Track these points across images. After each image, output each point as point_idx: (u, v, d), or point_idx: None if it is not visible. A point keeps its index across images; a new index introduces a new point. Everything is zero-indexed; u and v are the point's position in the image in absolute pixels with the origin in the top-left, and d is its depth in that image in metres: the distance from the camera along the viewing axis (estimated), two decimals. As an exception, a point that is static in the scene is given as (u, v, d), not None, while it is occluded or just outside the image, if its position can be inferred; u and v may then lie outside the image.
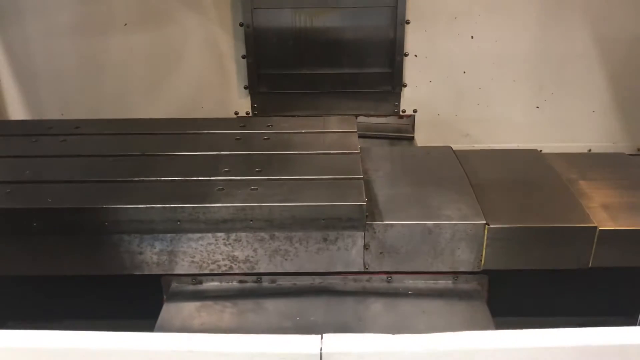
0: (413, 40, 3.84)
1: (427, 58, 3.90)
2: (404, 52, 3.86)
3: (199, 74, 3.98)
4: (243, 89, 3.95)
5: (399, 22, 3.78)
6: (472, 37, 3.84)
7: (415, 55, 3.89)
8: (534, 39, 3.85)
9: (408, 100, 4.00)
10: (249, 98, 3.97)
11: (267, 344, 1.77)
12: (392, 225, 2.31)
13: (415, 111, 3.99)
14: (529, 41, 3.86)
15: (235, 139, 2.69)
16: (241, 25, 3.80)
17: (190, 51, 3.93)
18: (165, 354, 1.79)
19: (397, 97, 3.99)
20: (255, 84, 3.92)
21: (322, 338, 1.76)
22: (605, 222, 2.32)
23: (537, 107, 3.98)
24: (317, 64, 3.92)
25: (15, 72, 3.91)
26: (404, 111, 4.00)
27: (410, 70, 3.92)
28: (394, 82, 3.93)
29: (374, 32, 3.84)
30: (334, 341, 1.76)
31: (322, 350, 1.75)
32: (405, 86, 3.95)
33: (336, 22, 3.81)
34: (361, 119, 3.93)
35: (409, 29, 3.81)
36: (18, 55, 3.89)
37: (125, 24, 3.85)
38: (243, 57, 3.88)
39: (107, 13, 3.83)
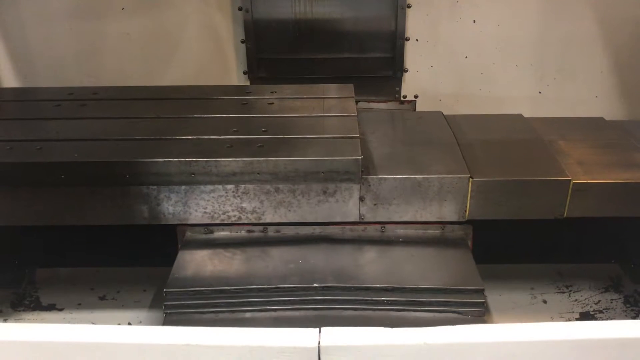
0: (414, 25, 4.60)
1: (429, 43, 4.67)
2: (405, 36, 4.61)
3: (197, 59, 4.74)
4: (242, 73, 4.72)
5: (400, 6, 4.51)
6: (474, 21, 4.61)
7: (417, 40, 4.66)
8: (536, 23, 4.61)
9: (409, 86, 4.78)
10: (248, 83, 4.73)
11: (265, 338, 2.17)
12: (385, 179, 3.14)
13: (416, 96, 4.77)
14: (531, 25, 4.61)
15: (242, 104, 3.57)
16: (240, 9, 4.54)
17: (189, 36, 4.70)
18: (163, 347, 2.20)
19: (398, 82, 4.76)
20: (255, 68, 4.69)
21: (320, 332, 2.17)
22: (579, 176, 3.15)
23: (540, 93, 4.77)
24: (317, 48, 4.67)
25: (11, 56, 4.67)
26: (405, 96, 4.78)
27: (412, 55, 4.69)
28: (395, 67, 4.69)
29: (375, 16, 4.59)
30: (331, 335, 2.17)
31: (320, 344, 2.14)
32: (406, 71, 4.73)
33: (336, 6, 4.54)
34: (362, 104, 4.64)
35: (410, 13, 4.56)
36: (14, 40, 4.64)
37: (123, 8, 4.61)
38: (242, 41, 4.64)
39: (104, -3, 4.57)
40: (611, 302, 3.67)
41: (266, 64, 4.72)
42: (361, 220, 3.23)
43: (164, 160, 3.05)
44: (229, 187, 3.13)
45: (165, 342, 2.17)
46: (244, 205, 3.17)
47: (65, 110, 3.53)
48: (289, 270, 3.09)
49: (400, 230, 3.28)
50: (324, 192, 3.15)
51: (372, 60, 4.73)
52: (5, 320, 3.61)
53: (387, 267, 3.11)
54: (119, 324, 3.53)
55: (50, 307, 3.69)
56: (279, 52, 4.72)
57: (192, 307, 2.98)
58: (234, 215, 3.20)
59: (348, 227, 3.30)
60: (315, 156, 3.08)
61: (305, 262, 3.14)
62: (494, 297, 3.62)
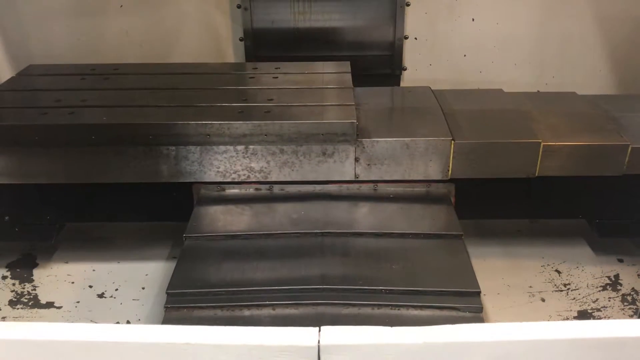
0: (413, 23, 5.90)
1: (428, 41, 6.01)
2: (404, 34, 5.94)
3: (196, 57, 6.04)
4: (241, 71, 6.03)
5: (399, 4, 5.80)
6: (472, 19, 5.94)
7: (416, 38, 6.00)
8: (535, 21, 5.92)
9: (408, 84, 6.06)
10: (246, 80, 6.01)
11: (265, 337, 2.44)
12: (377, 141, 4.60)
13: (415, 94, 6.19)
14: (530, 23, 5.92)
15: (250, 78, 5.20)
16: (238, 7, 5.81)
17: (187, 33, 6.02)
18: (163, 346, 2.49)
19: (397, 80, 6.10)
20: (253, 66, 5.94)
21: (319, 331, 2.47)
22: (548, 139, 4.61)
23: (538, 91, 6.05)
24: (316, 46, 5.96)
25: (10, 54, 5.95)
26: (403, 95, 6.10)
27: (411, 53, 6.02)
28: (394, 65, 6.03)
29: (374, 14, 5.89)
30: (331, 334, 2.45)
31: (320, 343, 2.43)
32: (405, 69, 6.09)
33: (335, 4, 5.81)
34: (360, 102, 6.07)
35: (409, 11, 5.86)
36: (12, 38, 5.90)
37: (121, 6, 5.90)
38: (241, 39, 5.96)
39: (103, -6, 5.78)
40: (609, 301, 4.60)
41: (265, 62, 5.68)
42: (356, 179, 4.64)
43: (184, 123, 4.52)
44: (240, 147, 4.59)
45: (164, 341, 2.51)
46: (252, 165, 4.64)
47: (90, 82, 5.13)
48: (292, 222, 4.56)
49: (391, 188, 4.79)
50: (324, 154, 4.63)
51: (371, 59, 6.07)
52: (3, 318, 4.37)
53: (379, 219, 4.59)
54: (118, 322, 4.37)
55: (49, 305, 4.58)
56: (277, 51, 6.07)
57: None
58: (244, 174, 4.68)
59: (345, 185, 4.72)
60: (316, 120, 4.57)
61: (306, 214, 4.60)
62: (492, 296, 4.61)
